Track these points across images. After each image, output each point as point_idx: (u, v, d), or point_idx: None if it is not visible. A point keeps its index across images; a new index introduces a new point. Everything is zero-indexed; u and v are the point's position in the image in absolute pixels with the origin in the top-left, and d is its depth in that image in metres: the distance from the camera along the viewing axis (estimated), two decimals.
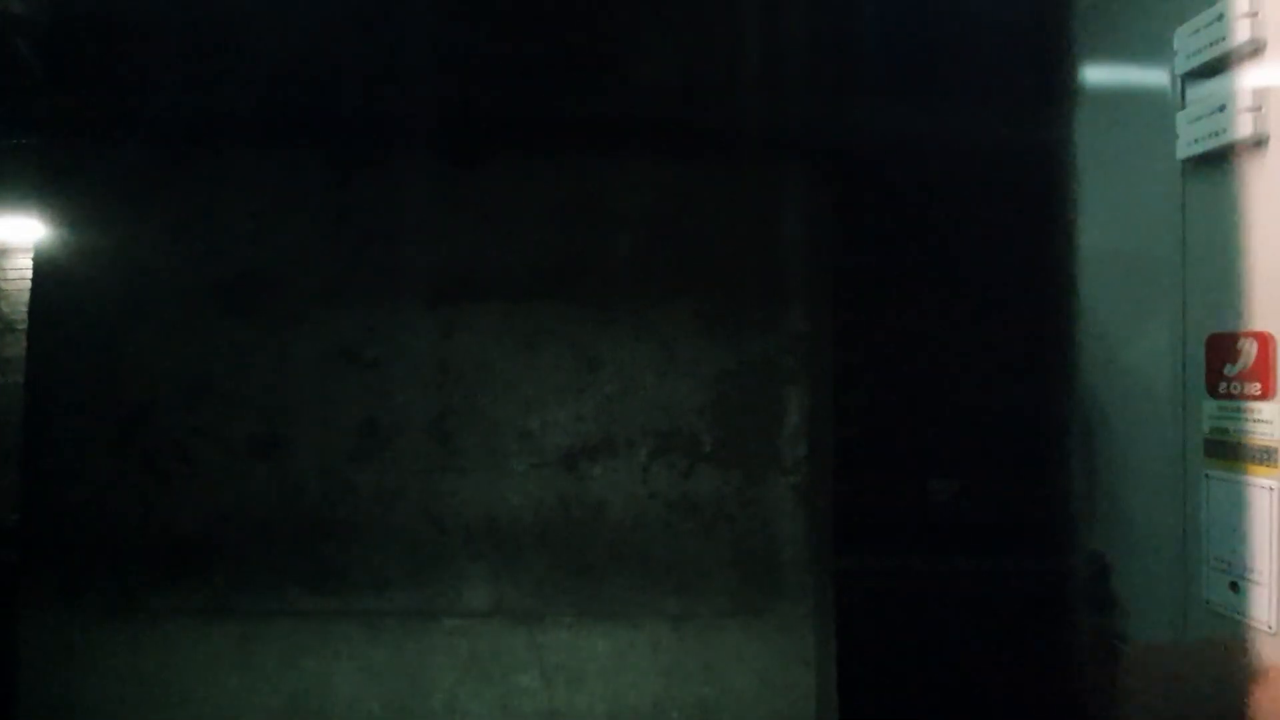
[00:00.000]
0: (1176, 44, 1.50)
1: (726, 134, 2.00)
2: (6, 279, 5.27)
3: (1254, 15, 1.34)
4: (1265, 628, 1.31)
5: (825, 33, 2.02)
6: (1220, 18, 1.39)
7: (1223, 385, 1.40)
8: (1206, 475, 1.44)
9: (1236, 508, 1.37)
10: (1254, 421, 1.33)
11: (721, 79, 1.98)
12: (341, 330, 1.97)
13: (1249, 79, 1.36)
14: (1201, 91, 1.46)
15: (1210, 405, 1.43)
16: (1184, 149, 1.49)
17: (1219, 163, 1.42)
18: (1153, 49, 1.59)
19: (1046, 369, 1.99)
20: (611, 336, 1.96)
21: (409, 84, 1.98)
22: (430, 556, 1.95)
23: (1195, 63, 1.46)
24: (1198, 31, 1.45)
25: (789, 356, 1.95)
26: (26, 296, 2.02)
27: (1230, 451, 1.38)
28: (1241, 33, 1.35)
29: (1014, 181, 2.10)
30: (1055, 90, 1.96)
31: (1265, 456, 1.32)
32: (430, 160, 1.98)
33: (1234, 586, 1.36)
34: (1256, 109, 1.33)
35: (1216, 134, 1.40)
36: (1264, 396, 1.31)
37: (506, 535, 1.95)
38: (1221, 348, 1.40)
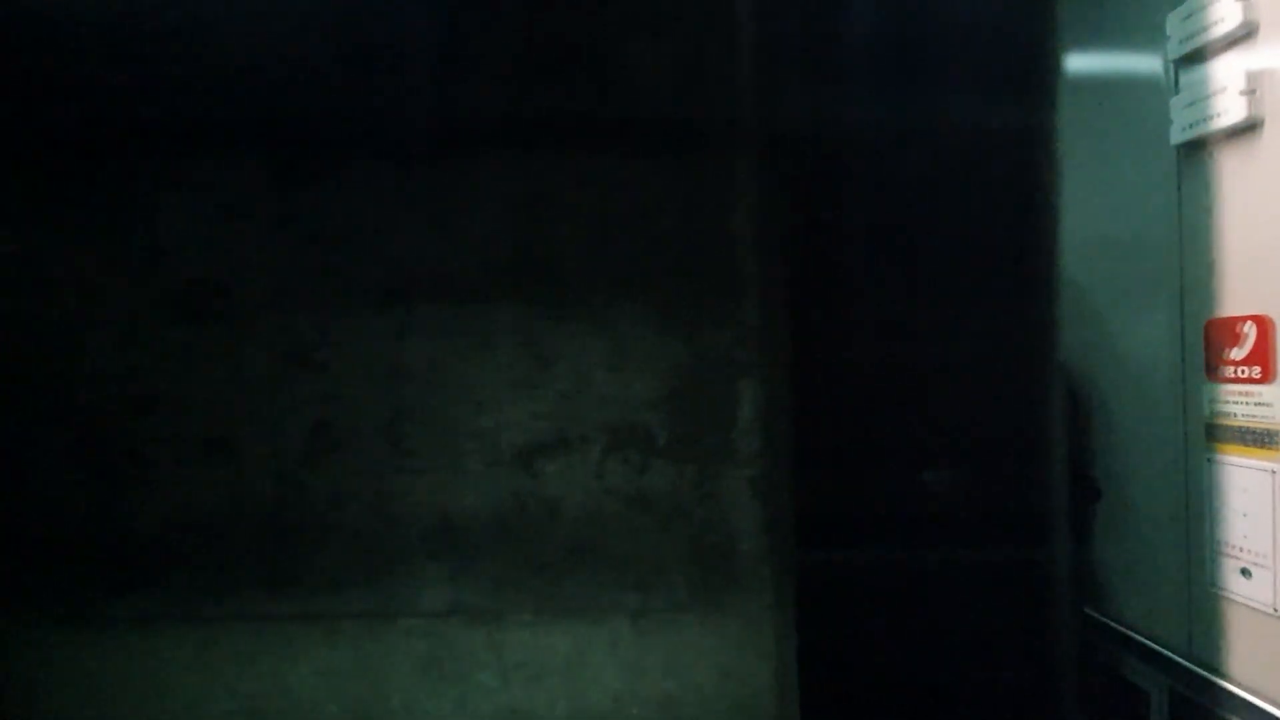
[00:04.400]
0: (1169, 29, 1.50)
1: (676, 127, 1.99)
2: None
3: None
4: (1270, 610, 1.31)
5: (781, 19, 2.01)
6: (1213, 1, 1.39)
7: (1222, 370, 1.40)
8: (1208, 460, 1.44)
9: (1238, 492, 1.38)
10: (1255, 405, 1.34)
11: (671, 72, 1.98)
12: (292, 334, 1.96)
13: (1242, 63, 1.36)
14: (1195, 76, 1.46)
15: (1210, 390, 1.43)
16: (1178, 134, 1.49)
17: (1214, 147, 1.42)
18: (1145, 34, 1.59)
19: (1031, 358, 1.99)
20: (564, 333, 1.96)
21: (354, 85, 1.96)
22: (386, 557, 1.95)
23: (1188, 47, 1.46)
24: (1190, 16, 1.45)
25: (742, 349, 1.95)
26: None
27: (1231, 436, 1.39)
28: (1234, 16, 1.35)
29: (996, 169, 2.08)
30: (1042, 76, 1.96)
31: (1266, 440, 1.32)
32: (378, 161, 1.97)
33: (1245, 573, 1.36)
34: (1251, 92, 1.33)
35: (1211, 118, 1.40)
36: (1264, 380, 1.32)
37: (463, 535, 1.95)
38: (1220, 332, 1.40)
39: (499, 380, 1.95)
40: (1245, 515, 1.36)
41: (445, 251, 1.96)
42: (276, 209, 1.97)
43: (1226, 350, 1.39)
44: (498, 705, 1.93)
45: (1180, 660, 1.50)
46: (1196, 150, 1.46)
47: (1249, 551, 1.35)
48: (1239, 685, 1.37)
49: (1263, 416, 1.32)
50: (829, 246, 2.14)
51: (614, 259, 1.96)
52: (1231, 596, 1.39)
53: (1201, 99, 1.42)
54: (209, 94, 1.96)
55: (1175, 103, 1.49)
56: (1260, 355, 1.32)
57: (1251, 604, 1.35)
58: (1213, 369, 1.42)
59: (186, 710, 1.93)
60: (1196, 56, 1.45)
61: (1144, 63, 1.61)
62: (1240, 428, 1.37)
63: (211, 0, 1.94)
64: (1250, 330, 1.34)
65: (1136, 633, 1.65)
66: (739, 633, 1.93)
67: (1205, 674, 1.44)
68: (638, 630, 1.94)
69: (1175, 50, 1.49)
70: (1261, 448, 1.33)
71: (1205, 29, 1.41)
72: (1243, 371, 1.35)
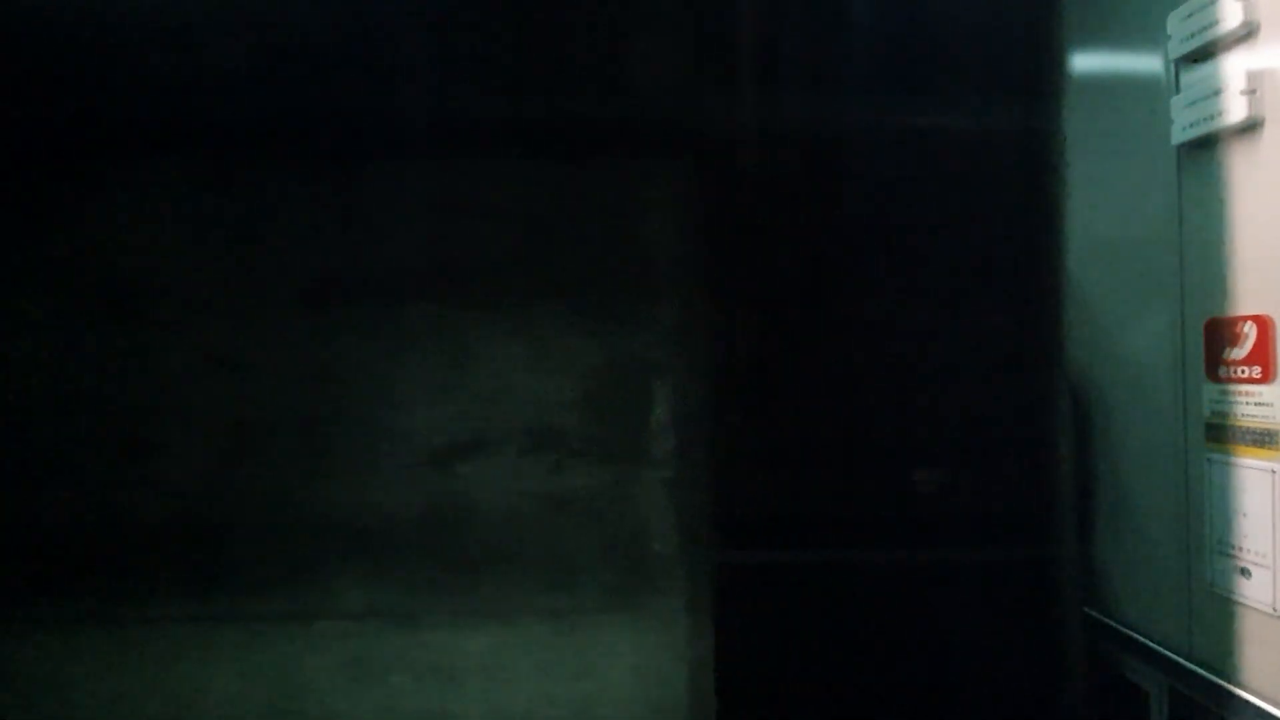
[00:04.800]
0: (1170, 28, 1.50)
1: (597, 129, 2.00)
2: None
3: None
4: (1269, 610, 1.31)
5: (710, 20, 1.99)
6: (1213, 1, 1.39)
7: (1222, 369, 1.40)
8: (1208, 460, 1.44)
9: (1238, 491, 1.38)
10: (1255, 405, 1.33)
11: (591, 74, 1.98)
12: (215, 335, 1.97)
13: (1243, 62, 1.36)
14: (1196, 76, 1.46)
15: (1210, 390, 1.43)
16: (1179, 134, 1.48)
17: (1214, 147, 1.42)
18: (1145, 33, 1.59)
19: (978, 357, 2.00)
20: (483, 334, 1.98)
21: (278, 88, 1.97)
22: (306, 559, 1.97)
23: (1189, 47, 1.45)
24: (1191, 15, 1.45)
25: (659, 351, 1.97)
26: None
27: (1231, 435, 1.39)
28: (1234, 16, 1.35)
29: (945, 169, 2.07)
30: (1040, 76, 1.95)
31: (1266, 439, 1.32)
32: (301, 163, 1.99)
33: (1245, 573, 1.36)
34: (1251, 92, 1.33)
35: (1211, 118, 1.40)
36: (1264, 380, 1.31)
37: (380, 536, 1.97)
38: (1220, 332, 1.40)
39: (418, 381, 1.97)
40: (1245, 515, 1.36)
41: (366, 253, 1.98)
42: (202, 211, 1.98)
43: (1227, 350, 1.39)
44: (414, 706, 1.95)
45: (1180, 660, 1.50)
46: (1197, 150, 1.46)
47: (1249, 551, 1.35)
48: (1239, 685, 1.37)
49: (1263, 416, 1.32)
50: (759, 249, 2.11)
51: (534, 261, 1.98)
52: (1231, 596, 1.39)
53: (1202, 99, 1.42)
54: (135, 98, 1.97)
55: (1176, 102, 1.49)
56: (1260, 355, 1.32)
57: (1251, 604, 1.35)
58: (1213, 369, 1.42)
59: (108, 711, 1.94)
60: (1197, 56, 1.45)
61: (1145, 62, 1.61)
62: (1240, 427, 1.37)
63: (139, 5, 1.94)
64: (1250, 330, 1.34)
65: (1136, 633, 1.65)
66: (653, 633, 1.95)
67: (1205, 674, 1.43)
68: (554, 631, 1.96)
69: (1176, 50, 1.49)
70: (1261, 447, 1.33)
71: (1206, 28, 1.41)
72: (1243, 371, 1.35)
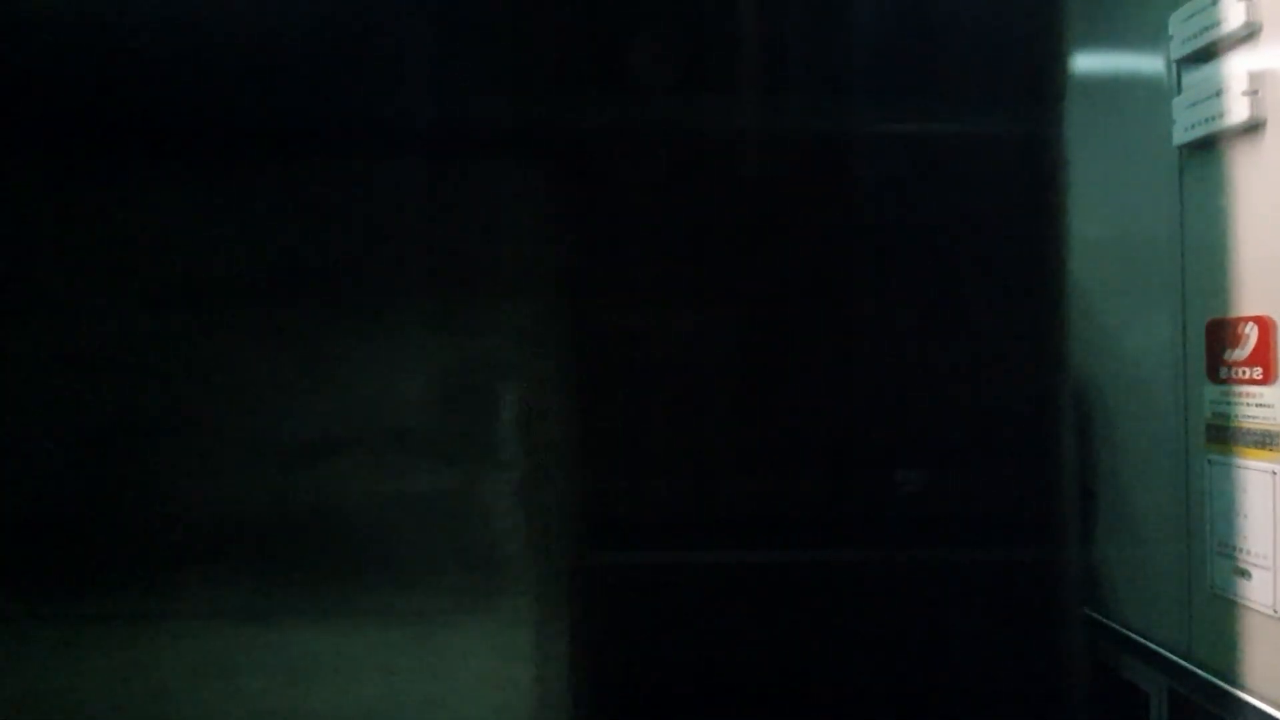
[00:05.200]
0: (1171, 29, 1.50)
1: (453, 130, 1.97)
2: None
3: None
4: (1270, 611, 1.31)
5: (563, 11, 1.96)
6: (1215, 1, 1.39)
7: (1223, 371, 1.40)
8: (1209, 461, 1.44)
9: (1239, 493, 1.38)
10: (1256, 406, 1.33)
11: (445, 73, 1.96)
12: (73, 332, 1.95)
13: (1245, 63, 1.36)
14: (1197, 77, 1.46)
15: (1211, 391, 1.43)
16: (1180, 135, 1.48)
17: (1216, 148, 1.42)
18: (1147, 34, 1.59)
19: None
20: (338, 335, 1.96)
21: (139, 87, 1.94)
22: (156, 558, 1.95)
23: (1191, 47, 1.45)
24: (1193, 16, 1.45)
25: (511, 353, 1.95)
26: None
27: (1232, 437, 1.39)
28: (1237, 16, 1.35)
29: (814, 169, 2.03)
30: (1040, 76, 1.95)
31: (1267, 441, 1.32)
32: (160, 162, 1.96)
33: (1245, 574, 1.36)
34: (1253, 93, 1.33)
35: (1213, 119, 1.40)
36: (1265, 381, 1.31)
37: (232, 536, 1.95)
38: (1221, 333, 1.40)
39: (270, 381, 1.95)
40: (1246, 517, 1.36)
41: (226, 254, 1.96)
42: (62, 210, 1.96)
43: (1228, 351, 1.39)
44: (261, 708, 1.93)
45: (1180, 661, 1.50)
46: (1199, 151, 1.46)
47: (1249, 552, 1.35)
48: (1239, 686, 1.37)
49: (1264, 417, 1.32)
50: (624, 250, 2.06)
51: (389, 262, 1.96)
52: (1232, 598, 1.39)
53: (1204, 99, 1.42)
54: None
55: (1178, 103, 1.49)
56: (1261, 356, 1.32)
57: (1252, 605, 1.35)
58: (1214, 370, 1.42)
59: None
60: (1199, 56, 1.45)
61: (1146, 63, 1.61)
62: (1241, 429, 1.37)
63: None
64: (1251, 331, 1.34)
65: (1136, 634, 1.65)
66: (501, 636, 1.94)
67: (1205, 675, 1.44)
68: (401, 633, 1.94)
69: (1178, 50, 1.49)
70: (1262, 449, 1.33)
71: (1208, 29, 1.41)
72: (1244, 372, 1.35)
